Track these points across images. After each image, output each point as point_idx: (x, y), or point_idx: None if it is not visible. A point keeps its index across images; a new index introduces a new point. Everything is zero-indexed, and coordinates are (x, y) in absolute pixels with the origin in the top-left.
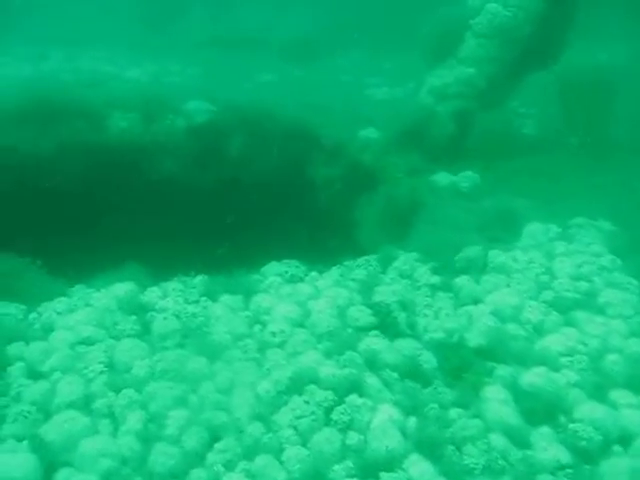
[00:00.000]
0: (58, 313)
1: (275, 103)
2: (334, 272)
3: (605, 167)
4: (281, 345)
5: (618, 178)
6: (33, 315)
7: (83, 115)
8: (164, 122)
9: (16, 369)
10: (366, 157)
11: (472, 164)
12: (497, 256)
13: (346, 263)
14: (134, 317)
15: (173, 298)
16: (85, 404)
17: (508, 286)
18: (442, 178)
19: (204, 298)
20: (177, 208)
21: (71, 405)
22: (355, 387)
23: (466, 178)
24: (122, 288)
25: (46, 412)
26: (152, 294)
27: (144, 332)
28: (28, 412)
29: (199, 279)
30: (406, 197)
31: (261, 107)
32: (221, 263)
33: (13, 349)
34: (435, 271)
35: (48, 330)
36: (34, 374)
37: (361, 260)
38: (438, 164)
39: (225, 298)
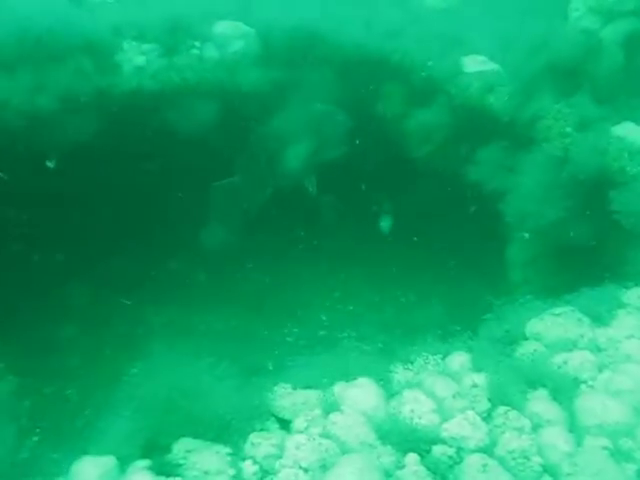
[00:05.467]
0: (301, 468)
1: (319, 20)
2: (625, 319)
3: None
4: None
5: None
6: (250, 465)
7: (86, 50)
8: (190, 53)
9: None
10: (494, 102)
11: None
12: None
13: (616, 294)
14: (413, 459)
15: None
16: None
17: None
18: (634, 133)
19: (513, 413)
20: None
21: None
22: None
23: None
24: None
25: None
26: (410, 398)
27: None
28: None
29: (457, 345)
30: (594, 165)
31: (308, 28)
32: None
33: None
34: None
35: None
36: None
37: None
38: (618, 113)
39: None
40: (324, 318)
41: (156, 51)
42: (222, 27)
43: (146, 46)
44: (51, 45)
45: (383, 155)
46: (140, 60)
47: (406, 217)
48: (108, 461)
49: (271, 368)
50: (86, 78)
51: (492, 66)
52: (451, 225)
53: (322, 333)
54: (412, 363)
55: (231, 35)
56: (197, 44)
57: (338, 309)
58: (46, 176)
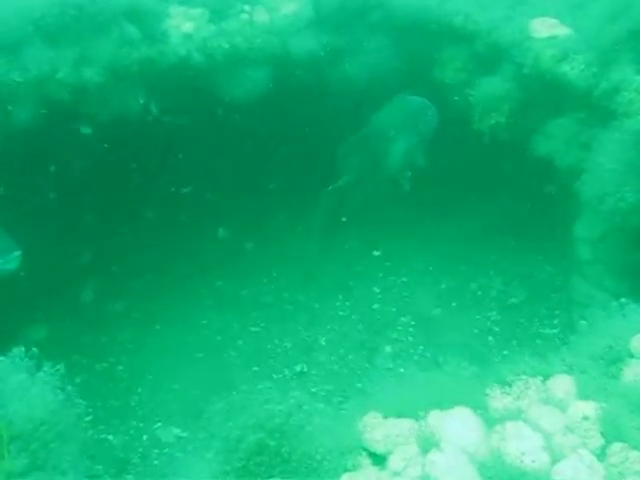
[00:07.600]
0: None
1: None
2: None
3: None
4: None
5: None
6: None
7: (132, 17)
8: (239, 17)
9: None
10: (568, 71)
11: None
12: None
13: None
14: None
15: None
16: None
17: None
18: None
19: None
20: None
21: None
22: None
23: None
24: None
25: None
26: (513, 432)
27: None
28: None
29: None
30: None
31: None
32: None
33: None
34: None
35: None
36: None
37: None
38: None
39: None
40: (377, 290)
41: (203, 16)
42: None
43: (193, 11)
44: (94, 14)
45: (444, 128)
46: (188, 26)
47: (466, 191)
48: None
49: (324, 344)
50: (133, 47)
51: (564, 30)
52: (516, 201)
53: (375, 307)
54: (510, 386)
55: None
56: (246, 8)
57: (390, 280)
58: (96, 149)
